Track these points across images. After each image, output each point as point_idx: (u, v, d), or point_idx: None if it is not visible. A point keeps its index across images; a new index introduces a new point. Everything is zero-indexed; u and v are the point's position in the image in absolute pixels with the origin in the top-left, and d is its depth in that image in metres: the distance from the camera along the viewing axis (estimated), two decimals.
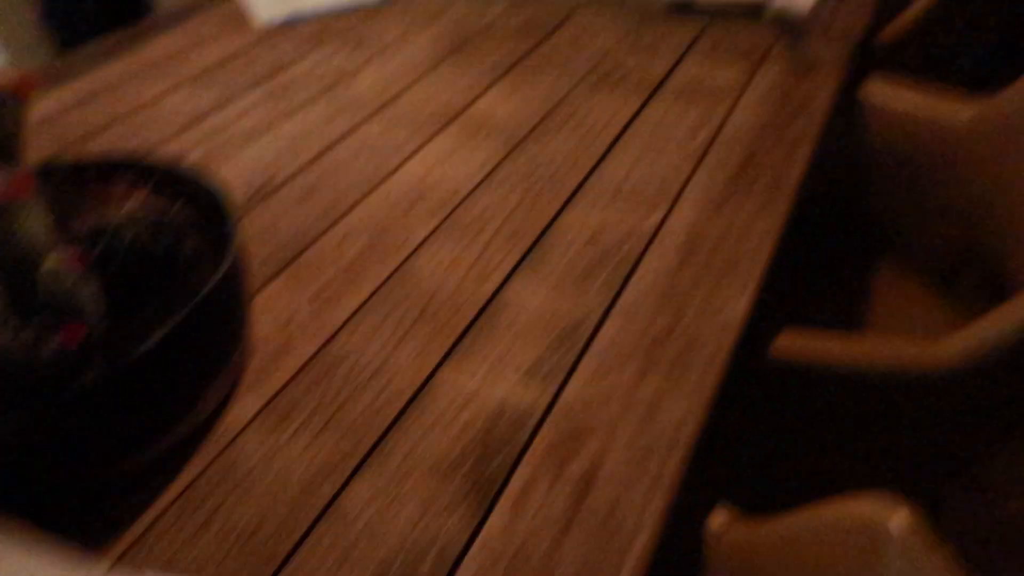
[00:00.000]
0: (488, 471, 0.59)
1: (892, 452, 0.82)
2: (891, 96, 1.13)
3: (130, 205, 0.72)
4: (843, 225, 1.23)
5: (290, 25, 1.34)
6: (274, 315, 0.75)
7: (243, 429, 0.63)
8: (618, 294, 0.75)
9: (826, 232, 1.21)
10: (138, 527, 0.56)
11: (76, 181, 0.78)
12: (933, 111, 1.10)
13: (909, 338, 0.77)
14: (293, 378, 0.68)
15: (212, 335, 0.65)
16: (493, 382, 0.66)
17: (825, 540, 0.51)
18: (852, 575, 0.48)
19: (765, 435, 0.85)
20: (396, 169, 0.96)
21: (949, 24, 1.33)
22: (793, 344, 0.77)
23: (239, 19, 1.37)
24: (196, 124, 1.08)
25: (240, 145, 1.03)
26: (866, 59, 1.22)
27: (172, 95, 1.16)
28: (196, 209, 0.73)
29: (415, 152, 0.99)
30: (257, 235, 0.86)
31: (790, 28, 1.20)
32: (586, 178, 0.92)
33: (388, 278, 0.78)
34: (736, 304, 0.73)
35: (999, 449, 0.81)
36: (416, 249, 0.82)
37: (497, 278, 0.77)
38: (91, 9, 2.20)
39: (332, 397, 0.65)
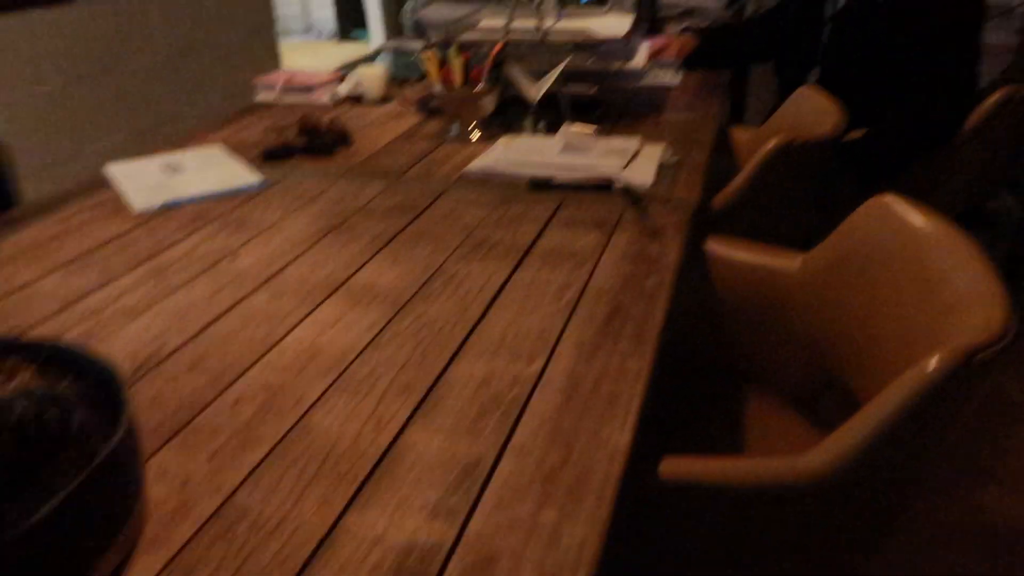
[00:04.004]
0: None
1: (782, 550, 0.88)
2: (730, 249, 1.29)
3: (16, 382, 0.71)
4: (710, 358, 1.35)
5: (168, 212, 1.38)
6: (169, 479, 0.74)
7: None
8: (511, 434, 0.79)
9: (694, 365, 1.33)
10: None
11: None
12: (767, 262, 1.27)
13: (779, 456, 0.86)
14: (194, 536, 0.66)
15: (105, 503, 0.63)
16: (399, 523, 0.68)
17: None
18: None
19: (665, 546, 0.89)
20: (285, 335, 0.99)
21: (766, 192, 1.55)
22: (677, 468, 0.84)
23: (114, 206, 1.40)
24: (73, 305, 1.07)
25: (122, 323, 1.03)
26: (702, 224, 1.40)
27: (46, 279, 1.15)
28: (84, 383, 0.73)
29: (303, 319, 1.02)
30: (147, 405, 0.85)
31: (635, 200, 1.37)
32: (469, 334, 0.98)
33: (285, 435, 0.80)
34: (620, 436, 0.79)
35: (877, 544, 0.89)
36: (312, 406, 0.84)
37: (394, 427, 0.80)
38: None
39: (236, 550, 0.64)
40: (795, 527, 0.87)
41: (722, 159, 2.04)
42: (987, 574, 1.62)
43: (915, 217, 1.06)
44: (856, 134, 1.86)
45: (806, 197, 1.76)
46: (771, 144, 1.52)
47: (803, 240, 1.33)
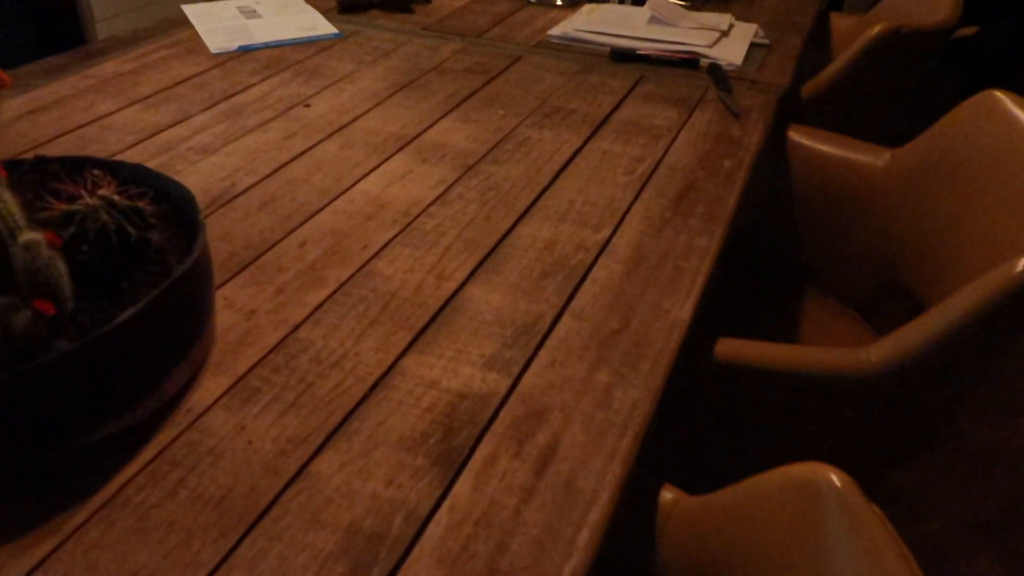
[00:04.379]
0: (453, 445, 0.61)
1: (821, 450, 0.88)
2: (815, 140, 1.23)
3: (98, 195, 0.73)
4: (774, 254, 1.32)
5: (243, 55, 1.37)
6: (236, 309, 0.76)
7: (211, 406, 0.64)
8: (571, 297, 0.79)
9: (759, 260, 1.30)
10: (107, 492, 0.56)
11: (42, 175, 0.79)
12: (853, 155, 1.20)
13: (835, 348, 0.84)
14: (258, 363, 0.69)
15: (179, 317, 0.66)
16: (455, 370, 0.69)
17: (768, 502, 0.55)
18: (794, 529, 0.53)
19: (709, 429, 0.90)
20: (353, 184, 0.99)
21: (861, 85, 1.46)
22: (732, 349, 0.83)
23: (191, 47, 1.40)
24: (150, 138, 1.09)
25: (195, 159, 1.04)
26: (789, 111, 1.33)
27: (124, 111, 1.16)
28: (161, 205, 0.75)
29: (371, 171, 1.02)
30: (217, 238, 0.87)
31: (721, 79, 1.30)
32: (537, 198, 0.97)
33: (349, 278, 0.81)
34: (680, 310, 0.78)
35: (916, 455, 0.88)
36: (376, 254, 0.85)
37: (456, 280, 0.81)
38: (28, 39, 2.18)
39: (299, 379, 0.67)
40: (837, 429, 0.86)
41: (817, 49, 1.92)
42: None
43: None
44: (969, 30, 1.72)
45: (903, 94, 1.65)
46: (876, 30, 1.41)
47: (890, 141, 1.25)
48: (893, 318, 1.18)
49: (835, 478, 0.52)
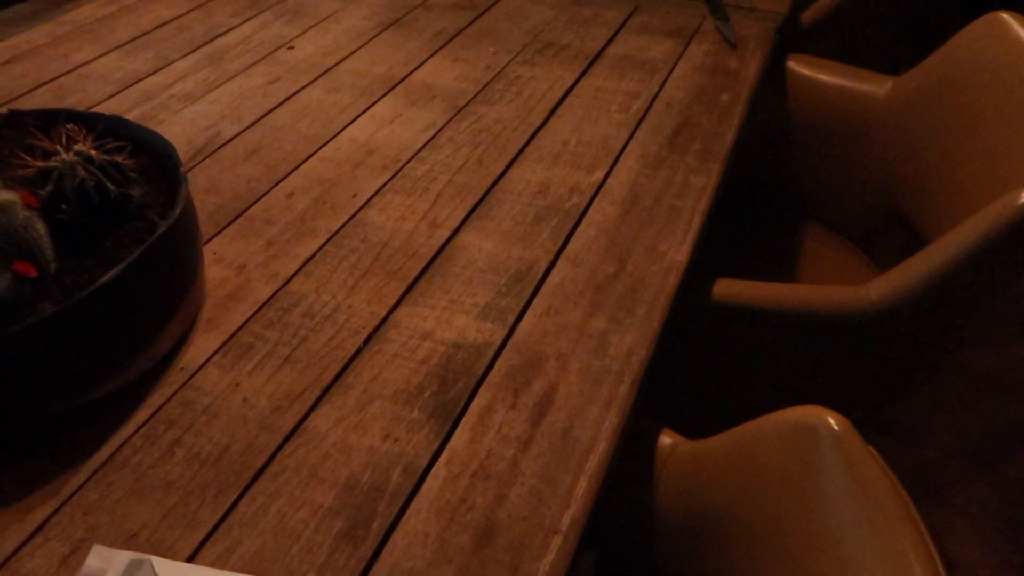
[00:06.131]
0: (449, 396, 0.60)
1: (819, 388, 0.88)
2: (815, 69, 1.20)
3: (75, 151, 0.71)
4: (771, 188, 1.30)
5: None
6: (227, 263, 0.75)
7: (204, 364, 0.63)
8: (566, 242, 0.78)
9: (755, 195, 1.28)
10: (104, 452, 0.56)
11: (15, 130, 0.76)
12: (853, 84, 1.17)
13: (834, 286, 0.83)
14: (251, 318, 0.68)
15: (166, 275, 0.65)
16: (449, 320, 0.68)
17: (765, 444, 0.55)
18: (792, 471, 0.53)
19: (707, 372, 0.90)
20: (341, 131, 0.96)
21: (862, 10, 1.42)
22: (730, 289, 0.82)
23: None
24: (130, 87, 1.06)
25: (177, 108, 1.01)
26: (787, 40, 1.29)
27: (102, 59, 1.13)
28: (141, 159, 0.73)
29: (359, 115, 0.99)
30: (203, 191, 0.85)
31: (717, 8, 1.26)
32: (530, 140, 0.95)
33: (340, 229, 0.79)
34: (677, 252, 0.77)
35: (916, 389, 0.88)
36: (367, 202, 0.83)
37: (448, 228, 0.79)
38: None
39: (292, 334, 0.66)
40: (835, 366, 0.86)
41: None
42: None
43: None
44: None
45: (905, 18, 1.60)
46: None
47: (893, 67, 1.22)
48: (894, 251, 1.17)
49: (832, 421, 0.52)
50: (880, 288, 0.78)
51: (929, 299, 0.80)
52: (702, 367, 0.90)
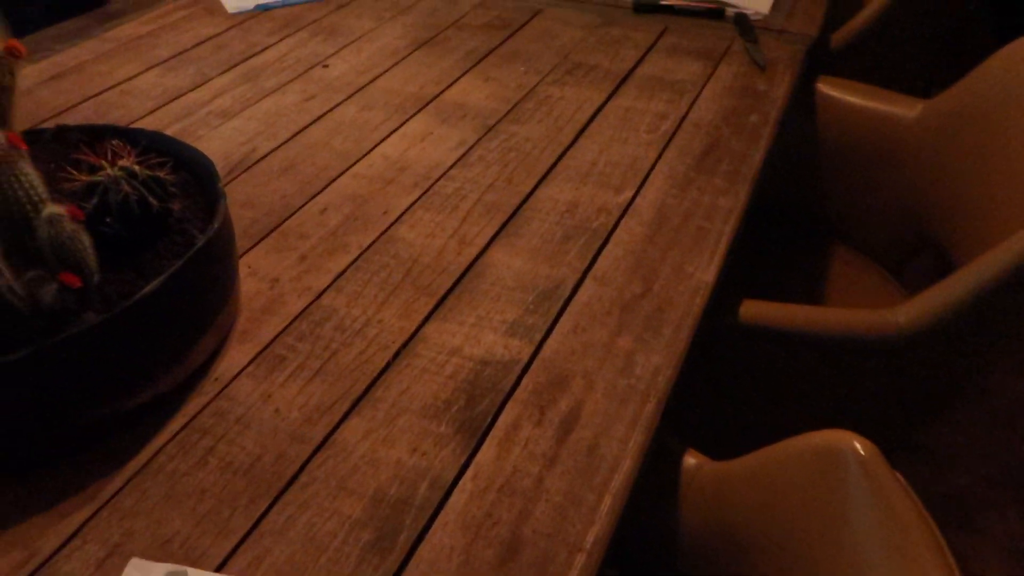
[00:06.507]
0: (476, 412, 0.61)
1: (846, 411, 0.88)
2: (845, 91, 1.20)
3: (119, 166, 0.73)
4: (800, 210, 1.30)
5: (261, 14, 1.35)
6: (261, 276, 0.76)
7: (237, 375, 0.65)
8: (593, 261, 0.79)
9: (784, 216, 1.28)
10: (139, 460, 0.58)
11: (63, 144, 0.79)
12: (884, 107, 1.17)
13: (862, 309, 0.83)
14: (283, 331, 0.70)
15: (204, 287, 0.66)
16: (477, 337, 0.69)
17: (790, 467, 0.55)
18: (817, 495, 0.53)
19: (732, 392, 0.90)
20: (373, 148, 0.98)
21: (895, 32, 1.41)
22: (757, 310, 0.82)
23: (209, 6, 1.38)
24: (171, 102, 1.09)
25: (215, 124, 1.04)
26: (817, 62, 1.29)
27: (145, 75, 1.16)
28: (182, 174, 0.75)
29: (391, 133, 1.01)
30: (239, 205, 0.87)
31: (747, 30, 1.27)
32: (559, 159, 0.96)
33: (371, 244, 0.81)
34: (704, 273, 0.77)
35: (943, 414, 0.87)
36: (398, 219, 0.85)
37: (477, 245, 0.81)
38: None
39: (323, 347, 0.68)
40: (863, 390, 0.86)
41: None
42: None
43: None
44: None
45: (937, 41, 1.60)
46: None
47: (924, 91, 1.22)
48: (924, 274, 1.17)
49: (859, 446, 0.52)
50: (908, 312, 0.78)
51: (958, 324, 0.79)
52: (728, 387, 0.90)
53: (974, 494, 1.38)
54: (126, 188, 0.67)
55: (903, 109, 1.19)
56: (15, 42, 0.70)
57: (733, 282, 0.83)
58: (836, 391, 0.86)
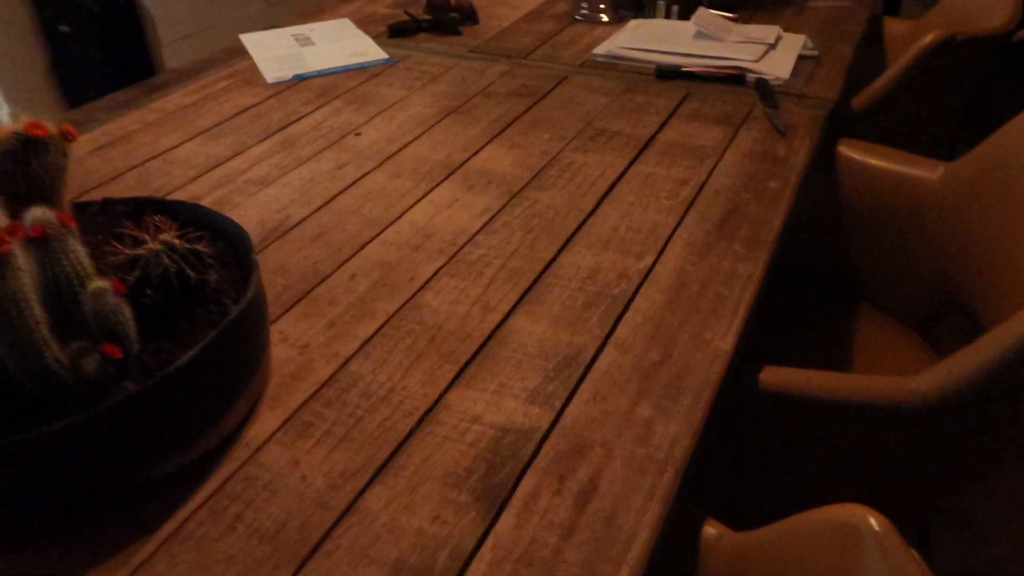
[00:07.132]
0: (496, 480, 0.63)
1: (871, 481, 0.87)
2: (866, 154, 1.21)
3: (160, 240, 0.77)
4: (824, 273, 1.30)
5: (298, 83, 1.41)
6: (291, 342, 0.79)
7: (267, 440, 0.67)
8: (613, 328, 0.80)
9: (807, 280, 1.29)
10: (170, 526, 0.60)
11: (108, 217, 0.83)
12: (906, 170, 1.18)
13: (887, 375, 0.83)
14: (311, 397, 0.72)
15: (237, 356, 0.69)
16: (498, 404, 0.71)
17: (808, 541, 0.56)
18: (833, 570, 0.53)
19: (754, 459, 0.90)
20: (401, 215, 1.02)
21: (915, 94, 1.43)
22: (777, 377, 0.83)
23: (249, 77, 1.45)
24: (211, 171, 1.14)
25: (252, 191, 1.08)
26: (839, 124, 1.31)
27: (186, 144, 1.22)
28: (219, 244, 0.79)
29: (419, 200, 1.05)
30: (273, 271, 0.91)
31: (767, 95, 1.30)
32: (580, 225, 0.98)
33: (397, 311, 0.84)
34: (723, 341, 0.79)
35: (974, 483, 0.86)
36: (424, 285, 0.87)
37: (500, 312, 0.83)
38: (98, 64, 2.29)
39: (349, 413, 0.70)
40: (888, 457, 0.85)
41: (871, 54, 1.89)
42: None
43: None
44: None
45: (958, 104, 1.61)
46: (928, 38, 1.39)
47: (947, 152, 1.23)
48: (957, 336, 1.16)
49: (874, 521, 0.52)
50: (931, 379, 0.78)
51: (983, 391, 0.79)
52: (750, 454, 0.90)
53: (1014, 563, 1.34)
54: (166, 262, 0.71)
55: (925, 171, 1.20)
56: (68, 126, 0.75)
57: (757, 347, 0.84)
58: (861, 459, 0.86)
